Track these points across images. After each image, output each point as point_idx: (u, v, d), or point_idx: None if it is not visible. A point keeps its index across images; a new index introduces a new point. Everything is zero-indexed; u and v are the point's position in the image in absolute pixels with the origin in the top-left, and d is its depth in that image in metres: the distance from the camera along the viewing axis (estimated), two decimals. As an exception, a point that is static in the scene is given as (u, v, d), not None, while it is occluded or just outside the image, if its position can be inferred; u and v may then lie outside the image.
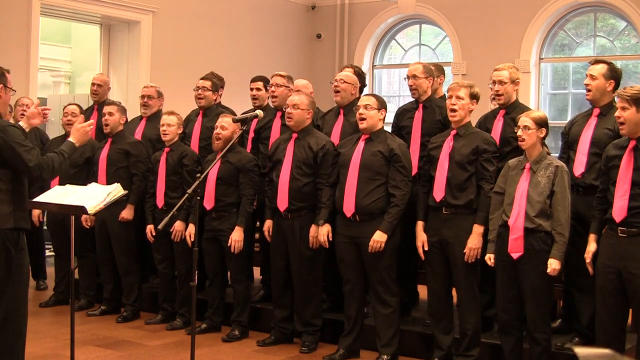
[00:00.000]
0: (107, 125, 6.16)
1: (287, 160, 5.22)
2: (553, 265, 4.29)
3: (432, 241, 4.77)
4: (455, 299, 4.85)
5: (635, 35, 9.12)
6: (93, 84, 6.96)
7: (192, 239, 5.49)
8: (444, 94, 5.64)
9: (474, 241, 4.62)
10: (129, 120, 6.61)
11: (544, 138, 4.46)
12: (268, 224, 5.39)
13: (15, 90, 4.03)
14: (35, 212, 6.55)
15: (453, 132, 4.79)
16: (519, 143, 4.47)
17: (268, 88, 6.06)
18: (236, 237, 5.41)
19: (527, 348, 4.50)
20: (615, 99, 4.81)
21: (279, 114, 5.87)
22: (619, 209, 4.07)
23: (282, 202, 5.20)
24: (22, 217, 3.87)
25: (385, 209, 4.83)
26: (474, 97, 4.79)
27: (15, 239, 3.81)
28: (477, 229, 4.63)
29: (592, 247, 4.28)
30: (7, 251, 3.77)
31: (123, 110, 6.31)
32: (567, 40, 9.67)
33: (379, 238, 4.79)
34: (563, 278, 4.89)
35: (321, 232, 5.06)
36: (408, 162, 4.91)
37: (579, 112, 5.34)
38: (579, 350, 1.95)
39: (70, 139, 4.12)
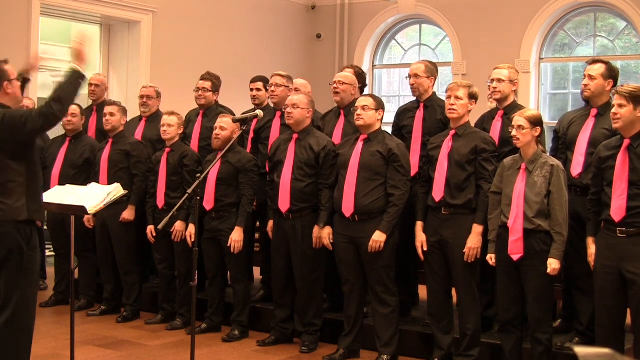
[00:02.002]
0: (108, 125, 6.17)
1: (289, 161, 5.22)
2: (553, 265, 4.29)
3: (431, 241, 4.77)
4: (455, 299, 4.85)
5: (635, 35, 9.11)
6: (90, 84, 6.94)
7: (192, 239, 5.49)
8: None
9: (473, 241, 4.62)
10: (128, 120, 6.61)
11: (539, 137, 4.45)
12: (272, 223, 5.39)
13: (19, 80, 3.92)
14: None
15: (452, 132, 4.79)
16: (514, 142, 4.47)
17: (268, 88, 6.05)
18: (236, 237, 5.42)
19: (528, 348, 4.50)
20: (612, 96, 4.81)
21: (278, 113, 5.87)
22: (618, 208, 4.05)
23: (284, 203, 5.20)
24: (35, 210, 3.82)
25: (385, 209, 4.84)
26: (473, 97, 4.79)
27: (28, 235, 3.76)
28: (477, 229, 4.63)
29: (592, 249, 4.26)
30: (20, 247, 3.72)
31: (124, 111, 6.31)
32: (567, 40, 9.66)
33: (378, 238, 4.79)
34: (563, 278, 4.89)
35: (323, 235, 5.06)
36: (407, 161, 4.91)
37: (571, 110, 5.30)
38: (579, 350, 1.95)
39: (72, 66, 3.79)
